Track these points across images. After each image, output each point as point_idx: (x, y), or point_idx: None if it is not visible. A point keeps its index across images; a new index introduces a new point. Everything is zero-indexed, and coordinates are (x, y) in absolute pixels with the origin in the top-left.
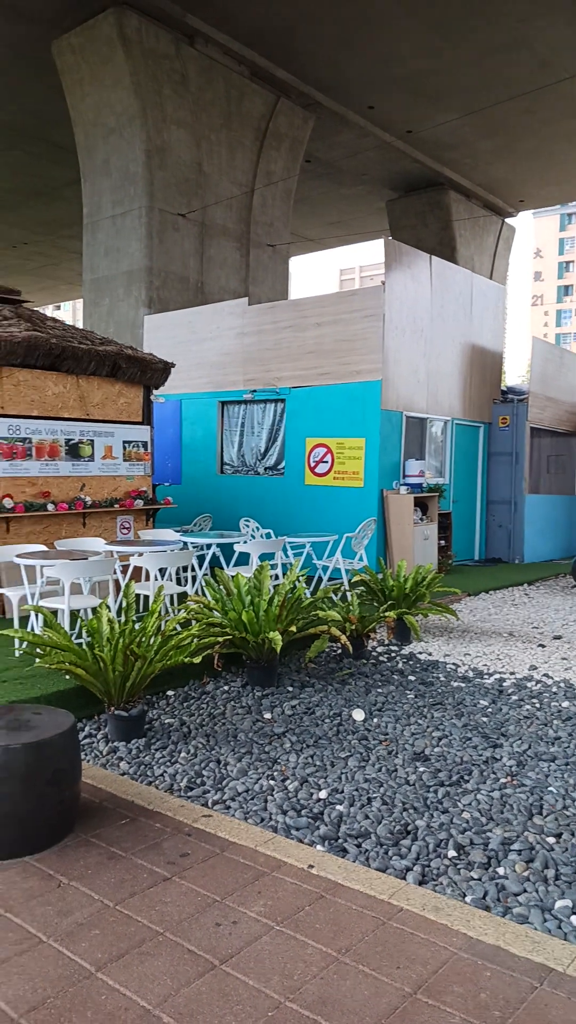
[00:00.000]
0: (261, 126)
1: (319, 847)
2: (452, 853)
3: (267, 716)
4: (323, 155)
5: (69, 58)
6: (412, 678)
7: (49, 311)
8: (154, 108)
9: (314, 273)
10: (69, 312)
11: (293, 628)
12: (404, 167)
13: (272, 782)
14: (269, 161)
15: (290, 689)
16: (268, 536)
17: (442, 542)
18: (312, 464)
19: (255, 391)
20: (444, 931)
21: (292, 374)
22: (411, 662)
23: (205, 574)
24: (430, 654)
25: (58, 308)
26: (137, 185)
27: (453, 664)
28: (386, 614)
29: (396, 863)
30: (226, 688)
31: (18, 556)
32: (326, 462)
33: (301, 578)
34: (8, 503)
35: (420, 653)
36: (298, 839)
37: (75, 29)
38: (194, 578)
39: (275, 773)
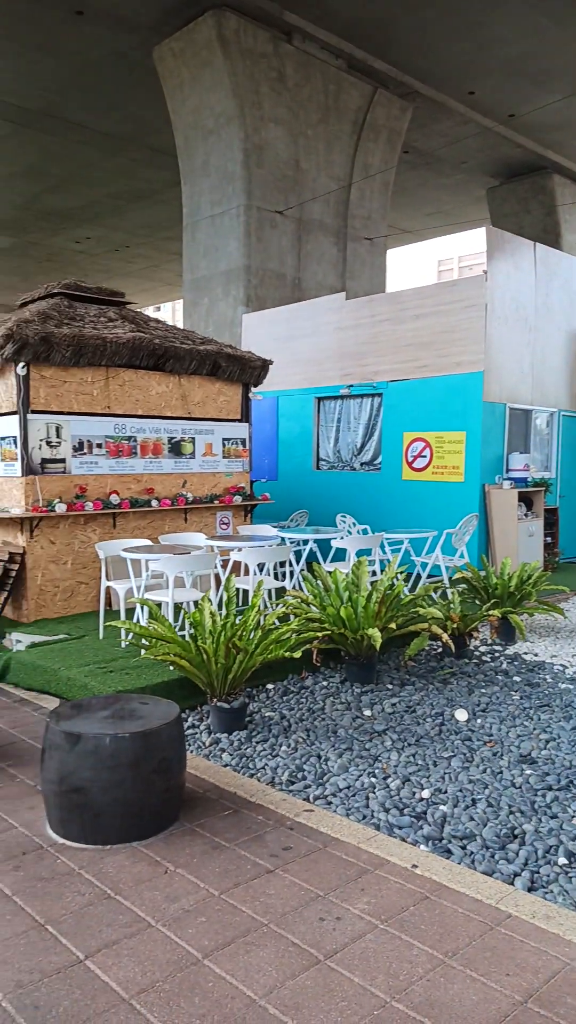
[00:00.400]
0: (358, 119)
1: (422, 847)
2: (563, 860)
3: (367, 713)
4: (421, 145)
5: (170, 63)
6: (517, 679)
7: (149, 312)
8: (252, 107)
9: (411, 265)
10: (168, 313)
11: (393, 625)
12: (505, 153)
13: (373, 779)
14: (366, 154)
15: (390, 687)
16: (365, 532)
17: (548, 539)
18: (410, 459)
19: (352, 386)
20: (556, 940)
21: (390, 367)
22: (516, 662)
23: (302, 570)
24: (536, 654)
25: (158, 309)
26: (235, 184)
27: (561, 665)
28: (490, 613)
29: (503, 867)
30: (325, 683)
31: (124, 550)
32: (424, 456)
33: (400, 575)
34: (115, 499)
35: (525, 653)
36: (401, 838)
37: (175, 34)
38: (291, 573)
39: (376, 770)
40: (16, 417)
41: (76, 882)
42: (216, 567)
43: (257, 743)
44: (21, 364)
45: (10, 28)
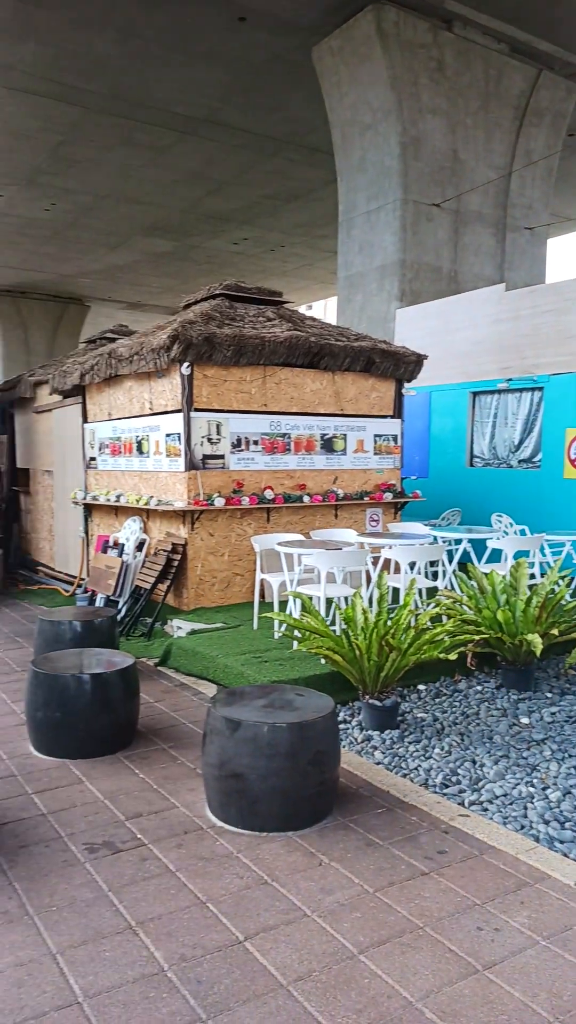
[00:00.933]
0: (520, 104)
1: None
2: None
3: (524, 721)
4: None
5: (328, 62)
6: None
7: (302, 310)
8: (410, 99)
9: (572, 253)
10: (319, 311)
11: (555, 631)
12: None
13: (532, 789)
14: (528, 139)
15: (549, 695)
16: (523, 533)
17: None
18: (573, 456)
19: (510, 380)
20: None
21: (552, 360)
22: None
23: (455, 570)
24: None
25: (309, 308)
26: (392, 179)
27: None
28: None
29: None
30: (479, 688)
31: (279, 544)
32: None
33: (563, 579)
34: (269, 494)
35: None
36: (563, 853)
37: (334, 32)
38: (443, 573)
39: (535, 780)
40: (180, 415)
41: (234, 865)
42: (367, 564)
43: (409, 743)
44: (186, 364)
45: (176, 40)
